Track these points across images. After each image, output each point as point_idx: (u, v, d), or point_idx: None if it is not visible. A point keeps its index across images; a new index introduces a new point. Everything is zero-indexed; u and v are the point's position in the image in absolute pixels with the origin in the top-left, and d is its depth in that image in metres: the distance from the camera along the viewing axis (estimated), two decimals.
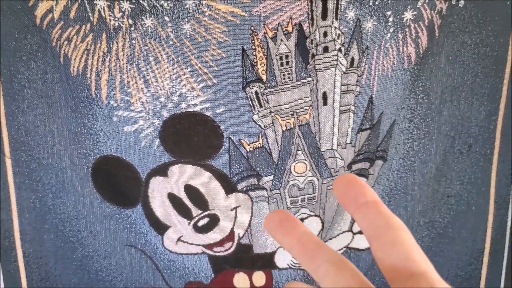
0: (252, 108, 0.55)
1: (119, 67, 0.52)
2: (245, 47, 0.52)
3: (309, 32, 0.52)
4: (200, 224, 0.59)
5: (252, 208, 0.59)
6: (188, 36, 0.51)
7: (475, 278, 0.67)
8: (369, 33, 0.53)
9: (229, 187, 0.58)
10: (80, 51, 0.52)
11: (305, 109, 0.55)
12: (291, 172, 0.58)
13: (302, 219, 0.60)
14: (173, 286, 0.63)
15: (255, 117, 0.55)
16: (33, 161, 0.57)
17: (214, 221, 0.59)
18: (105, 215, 0.60)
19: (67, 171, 0.58)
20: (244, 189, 0.58)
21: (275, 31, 0.52)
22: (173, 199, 0.58)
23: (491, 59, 0.58)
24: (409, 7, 0.53)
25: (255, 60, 0.53)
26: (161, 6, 0.50)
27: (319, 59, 0.53)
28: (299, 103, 0.55)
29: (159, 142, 0.55)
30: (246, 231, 0.60)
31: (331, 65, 0.53)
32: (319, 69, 0.54)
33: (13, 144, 0.56)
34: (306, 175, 0.58)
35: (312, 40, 0.53)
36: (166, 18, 0.50)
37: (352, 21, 0.52)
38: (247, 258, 0.62)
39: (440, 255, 0.65)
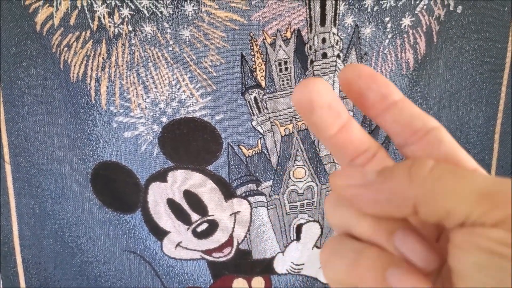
0: (251, 113, 0.55)
1: (118, 73, 0.52)
2: (244, 53, 0.52)
3: (308, 38, 0.52)
4: (199, 229, 0.59)
5: (251, 214, 0.59)
6: (187, 42, 0.51)
7: None
8: (367, 39, 0.53)
9: (228, 193, 0.58)
10: (80, 57, 0.52)
11: None
12: (290, 178, 0.58)
13: (301, 225, 0.60)
14: None
15: (254, 123, 0.55)
16: (33, 167, 0.57)
17: (213, 226, 0.59)
18: (104, 221, 0.60)
19: (67, 176, 0.58)
20: (243, 194, 0.58)
21: (274, 37, 0.52)
22: (172, 204, 0.58)
23: (489, 65, 0.58)
24: (407, 13, 0.53)
25: (254, 66, 0.53)
26: (161, 12, 0.50)
27: (318, 65, 0.53)
28: None
29: (158, 148, 0.55)
30: (245, 236, 0.60)
31: (329, 71, 0.54)
32: (318, 75, 0.54)
33: (12, 149, 0.56)
34: (305, 180, 0.58)
35: (310, 46, 0.53)
36: (166, 25, 0.51)
37: (351, 27, 0.52)
38: (246, 263, 0.62)
39: None
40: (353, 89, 0.22)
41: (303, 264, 0.62)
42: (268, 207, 0.59)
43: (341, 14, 0.52)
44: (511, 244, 0.17)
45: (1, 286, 0.62)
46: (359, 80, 0.22)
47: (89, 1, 0.49)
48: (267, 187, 0.58)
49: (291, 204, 0.59)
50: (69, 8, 0.50)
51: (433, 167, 0.19)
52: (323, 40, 0.52)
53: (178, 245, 0.60)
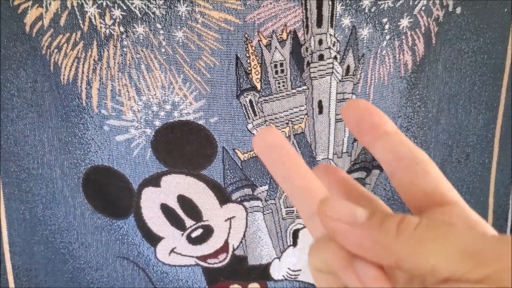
0: (247, 117, 0.54)
1: (110, 76, 0.51)
2: (239, 55, 0.51)
3: (304, 39, 0.51)
4: (193, 235, 0.58)
5: (246, 219, 0.58)
6: (180, 43, 0.50)
7: None
8: (365, 41, 0.52)
9: (223, 198, 0.57)
10: (70, 59, 0.51)
11: (300, 118, 0.54)
12: None
13: (297, 230, 0.59)
14: None
15: (250, 126, 0.54)
16: (23, 171, 0.56)
17: (208, 232, 0.58)
18: (97, 226, 0.58)
19: (58, 181, 0.57)
20: (239, 199, 0.57)
21: (270, 39, 0.51)
22: (166, 210, 0.57)
23: (489, 67, 0.57)
24: (405, 14, 0.52)
25: (249, 68, 0.52)
26: (153, 13, 0.49)
27: (314, 67, 0.52)
28: (294, 112, 0.54)
29: (151, 152, 0.54)
30: (241, 242, 0.59)
31: (326, 73, 0.53)
32: (314, 77, 0.53)
33: (2, 154, 0.55)
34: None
35: (307, 48, 0.52)
36: (158, 26, 0.50)
37: (348, 29, 0.51)
38: (242, 269, 0.61)
39: None
40: (351, 119, 0.24)
41: (300, 270, 0.61)
42: (264, 212, 0.58)
43: (338, 15, 0.51)
44: None
45: None
46: (356, 111, 0.24)
47: (79, 1, 0.48)
48: (263, 191, 0.57)
49: (287, 209, 0.58)
50: (59, 9, 0.49)
51: (418, 224, 0.19)
52: (320, 42, 0.51)
53: (172, 251, 0.59)
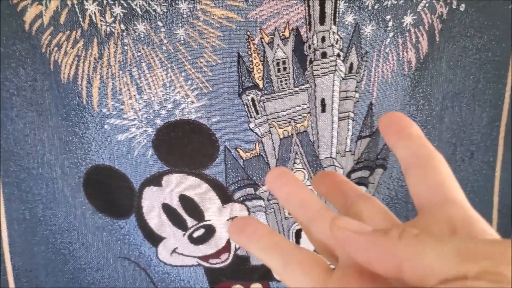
0: (249, 115, 0.53)
1: (111, 74, 0.51)
2: (241, 53, 0.51)
3: (307, 37, 0.51)
4: (195, 235, 0.57)
5: None
6: (182, 41, 0.50)
7: None
8: (368, 38, 0.52)
9: (225, 197, 0.56)
10: (70, 57, 0.50)
11: (303, 116, 0.54)
12: None
13: (300, 230, 0.59)
14: None
15: (252, 125, 0.54)
16: (23, 171, 0.55)
17: (210, 232, 0.57)
18: (98, 227, 0.58)
19: (58, 181, 0.56)
20: (241, 199, 0.56)
21: (272, 36, 0.51)
22: (168, 209, 0.56)
23: (493, 64, 0.57)
24: (409, 11, 0.52)
25: (251, 66, 0.51)
26: (154, 11, 0.49)
27: (317, 64, 0.52)
28: (297, 110, 0.53)
29: (153, 151, 0.54)
30: None
31: (329, 71, 0.52)
32: (317, 75, 0.52)
33: (1, 153, 0.55)
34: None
35: (310, 45, 0.51)
36: (159, 23, 0.49)
37: (351, 26, 0.51)
38: (244, 270, 0.60)
39: None
40: (382, 123, 0.28)
41: None
42: (267, 212, 0.58)
43: (341, 12, 0.50)
44: None
45: None
46: (389, 116, 0.28)
47: None
48: (265, 191, 0.56)
49: None
50: (59, 6, 0.48)
51: (418, 233, 0.21)
52: (323, 39, 0.51)
53: (174, 251, 0.59)
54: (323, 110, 0.54)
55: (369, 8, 0.51)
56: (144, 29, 0.49)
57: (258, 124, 0.54)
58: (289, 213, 0.58)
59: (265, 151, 0.55)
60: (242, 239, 0.28)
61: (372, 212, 0.27)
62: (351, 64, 0.53)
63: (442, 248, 0.19)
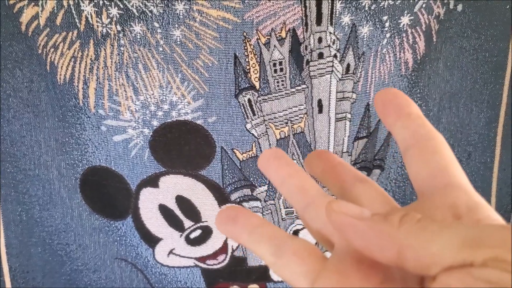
0: (245, 116, 0.53)
1: (107, 75, 0.51)
2: (237, 54, 0.51)
3: (304, 38, 0.51)
4: (192, 236, 0.57)
5: None
6: (178, 42, 0.50)
7: None
8: (365, 39, 0.52)
9: (222, 198, 0.56)
10: (67, 58, 0.50)
11: (300, 117, 0.54)
12: None
13: (297, 231, 0.59)
14: None
15: (248, 126, 0.53)
16: (19, 173, 0.55)
17: (206, 233, 0.57)
18: (94, 228, 0.58)
19: (55, 182, 0.56)
20: (238, 200, 0.56)
21: (268, 37, 0.50)
22: (164, 210, 0.56)
23: (490, 65, 0.57)
24: (405, 11, 0.51)
25: (247, 67, 0.51)
26: (151, 12, 0.48)
27: (314, 65, 0.52)
28: (294, 111, 0.53)
29: (149, 152, 0.54)
30: None
31: (326, 71, 0.52)
32: (314, 75, 0.52)
33: None
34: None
35: (306, 46, 0.51)
36: (156, 24, 0.49)
37: (348, 27, 0.51)
38: (241, 271, 0.60)
39: None
40: (379, 102, 0.26)
41: None
42: (264, 213, 0.57)
43: (337, 12, 0.50)
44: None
45: None
46: (385, 95, 0.26)
47: (76, 0, 0.48)
48: (262, 192, 0.56)
49: (287, 209, 0.58)
50: (55, 8, 0.48)
51: (420, 218, 0.20)
52: (319, 40, 0.51)
53: (170, 252, 0.59)
54: (320, 111, 0.54)
55: (366, 8, 0.50)
56: (141, 30, 0.49)
57: (255, 125, 0.54)
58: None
59: (262, 152, 0.55)
60: (233, 230, 0.26)
61: (371, 196, 0.26)
62: (348, 65, 0.53)
63: (446, 234, 0.18)
